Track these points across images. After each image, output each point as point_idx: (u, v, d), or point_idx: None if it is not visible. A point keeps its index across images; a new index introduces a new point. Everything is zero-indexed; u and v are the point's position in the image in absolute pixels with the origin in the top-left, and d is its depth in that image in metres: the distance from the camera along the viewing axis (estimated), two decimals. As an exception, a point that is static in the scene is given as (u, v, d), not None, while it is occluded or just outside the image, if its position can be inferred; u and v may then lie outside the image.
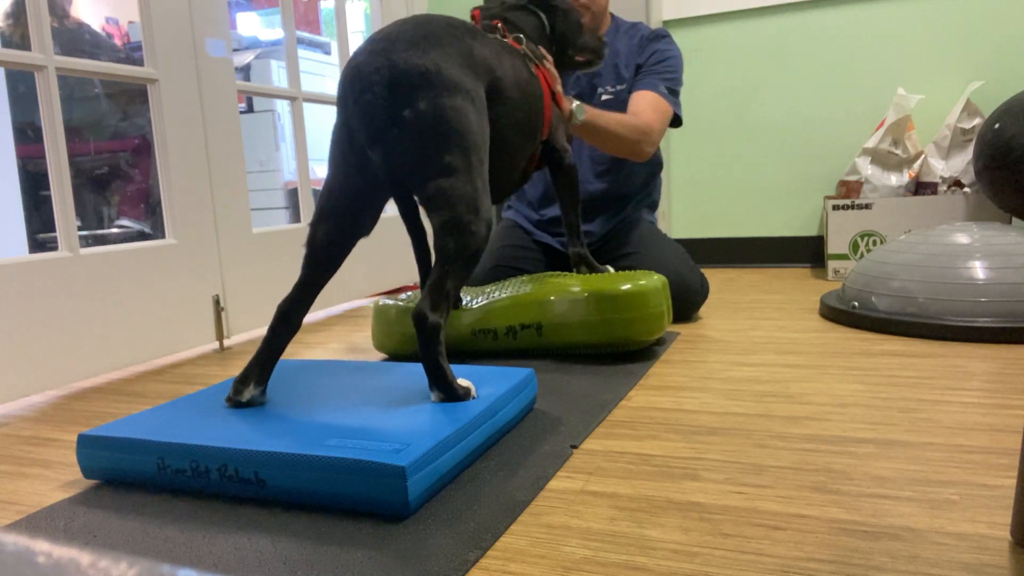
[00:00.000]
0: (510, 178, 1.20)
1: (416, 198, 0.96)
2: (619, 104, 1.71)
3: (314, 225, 0.97)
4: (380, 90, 0.91)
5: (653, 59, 1.71)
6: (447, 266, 0.90)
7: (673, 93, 1.69)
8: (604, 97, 1.76)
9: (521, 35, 1.29)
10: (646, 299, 1.25)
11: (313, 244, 0.97)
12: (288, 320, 0.97)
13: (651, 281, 1.28)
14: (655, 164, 1.82)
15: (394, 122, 0.91)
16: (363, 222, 0.99)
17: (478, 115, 0.96)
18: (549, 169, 1.36)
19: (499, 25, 1.29)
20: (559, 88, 1.38)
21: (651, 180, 1.84)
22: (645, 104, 1.64)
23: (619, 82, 1.75)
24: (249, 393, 0.93)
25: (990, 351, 1.22)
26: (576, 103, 1.49)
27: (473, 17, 1.25)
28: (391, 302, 1.39)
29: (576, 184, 1.36)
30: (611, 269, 1.38)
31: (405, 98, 0.90)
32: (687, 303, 1.59)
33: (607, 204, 1.79)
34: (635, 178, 1.79)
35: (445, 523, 0.70)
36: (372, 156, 0.93)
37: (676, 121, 1.72)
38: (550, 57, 1.38)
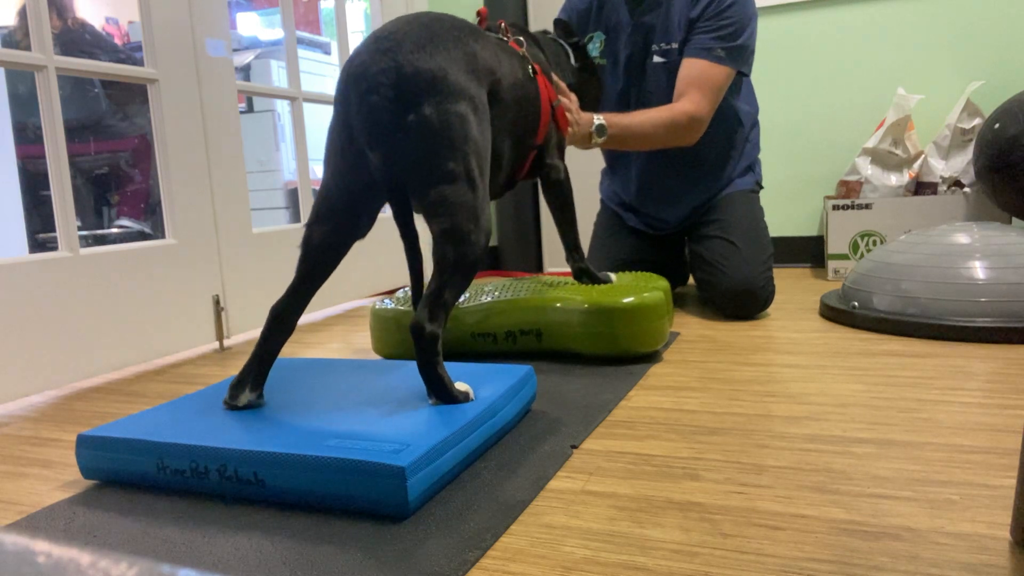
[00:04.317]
0: (496, 182, 1.18)
1: (415, 204, 0.94)
2: (671, 69, 1.61)
3: (310, 226, 0.96)
4: (386, 92, 0.89)
5: (710, 10, 1.55)
6: (445, 276, 0.89)
7: (733, 52, 1.55)
8: (656, 59, 1.64)
9: (522, 39, 1.28)
10: (647, 312, 1.24)
11: (309, 246, 0.96)
12: (282, 322, 0.96)
13: (653, 293, 1.27)
14: (728, 127, 1.68)
15: (398, 126, 0.89)
16: (360, 224, 0.98)
17: (481, 122, 0.95)
18: (540, 183, 1.34)
19: (503, 25, 1.27)
20: (572, 105, 1.37)
21: (730, 150, 1.71)
22: (690, 80, 1.55)
23: (671, 40, 1.61)
24: (245, 398, 0.93)
25: (990, 351, 1.22)
26: (598, 120, 1.45)
27: (479, 14, 1.23)
28: (389, 305, 1.39)
29: (566, 200, 1.33)
30: (614, 279, 1.37)
31: (410, 102, 0.89)
32: (746, 308, 1.58)
33: (676, 188, 1.73)
34: (705, 152, 1.67)
35: (445, 523, 0.70)
36: (372, 159, 0.91)
37: (740, 74, 1.61)
38: (563, 86, 1.37)
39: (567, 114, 1.34)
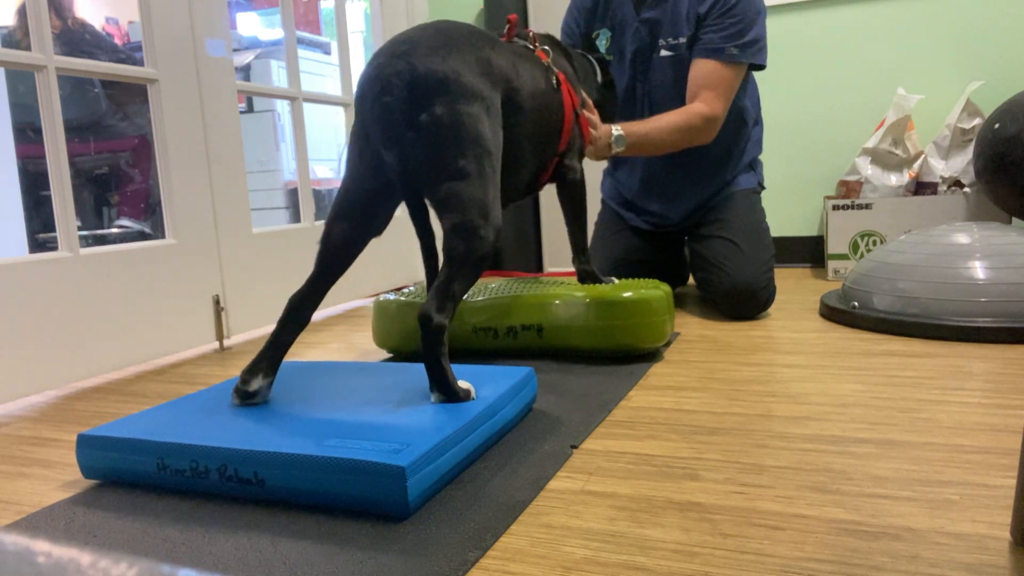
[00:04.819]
0: (516, 186, 1.20)
1: (427, 201, 0.97)
2: (679, 63, 1.62)
3: (329, 224, 1.00)
4: (399, 92, 0.92)
5: (717, 8, 1.55)
6: (454, 268, 0.91)
7: (745, 47, 1.55)
8: (663, 52, 1.64)
9: (548, 47, 1.29)
10: (648, 306, 1.25)
11: (328, 242, 1.00)
12: (298, 313, 0.99)
13: (654, 290, 1.27)
14: (731, 124, 1.67)
15: (411, 125, 0.93)
16: (377, 222, 1.02)
17: (493, 123, 0.98)
18: (556, 183, 1.35)
19: (531, 34, 1.28)
20: (594, 119, 1.39)
21: (732, 147, 1.71)
22: (702, 80, 1.56)
23: (679, 35, 1.61)
24: (257, 384, 0.95)
25: (990, 351, 1.22)
26: (617, 132, 1.47)
27: (509, 21, 1.24)
28: (392, 297, 1.39)
29: (580, 201, 1.35)
30: (615, 280, 1.37)
31: (423, 102, 0.92)
32: (747, 308, 1.58)
33: (679, 184, 1.74)
34: (708, 148, 1.66)
35: (445, 523, 0.70)
36: (387, 158, 0.95)
37: (757, 67, 1.61)
38: (589, 101, 1.39)
39: (590, 129, 1.36)
